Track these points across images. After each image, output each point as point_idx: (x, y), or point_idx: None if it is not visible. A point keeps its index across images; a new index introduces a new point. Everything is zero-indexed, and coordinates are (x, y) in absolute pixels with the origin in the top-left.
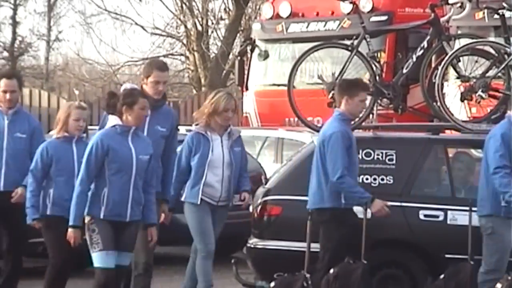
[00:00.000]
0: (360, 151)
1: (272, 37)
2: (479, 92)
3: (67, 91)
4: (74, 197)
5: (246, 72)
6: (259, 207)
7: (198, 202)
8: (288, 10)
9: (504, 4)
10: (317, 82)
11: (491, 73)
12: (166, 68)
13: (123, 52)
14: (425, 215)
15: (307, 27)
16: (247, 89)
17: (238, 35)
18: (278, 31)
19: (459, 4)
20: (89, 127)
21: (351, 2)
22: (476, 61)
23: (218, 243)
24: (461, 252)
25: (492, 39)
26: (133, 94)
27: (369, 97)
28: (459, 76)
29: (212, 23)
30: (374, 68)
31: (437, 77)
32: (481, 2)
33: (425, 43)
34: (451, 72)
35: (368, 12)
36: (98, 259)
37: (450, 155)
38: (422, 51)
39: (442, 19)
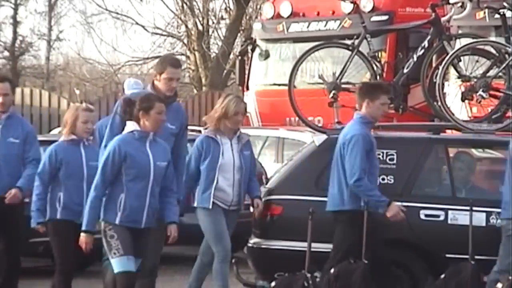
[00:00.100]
0: None
1: (273, 37)
2: (480, 92)
3: (68, 91)
4: (88, 202)
5: (247, 71)
6: None
7: (210, 207)
8: (289, 9)
9: (505, 4)
10: (318, 82)
11: (492, 72)
12: (180, 64)
13: (124, 52)
14: (426, 215)
15: (307, 26)
16: (247, 88)
17: (239, 34)
18: (279, 30)
19: (460, 4)
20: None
21: (351, 2)
22: (477, 61)
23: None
24: (461, 252)
25: (493, 38)
26: (149, 99)
27: None
28: (460, 76)
29: (213, 23)
30: (375, 67)
31: (438, 77)
32: (482, 1)
33: (426, 43)
34: (452, 72)
35: (369, 11)
36: (120, 264)
37: (451, 155)
38: (423, 50)
39: (443, 19)
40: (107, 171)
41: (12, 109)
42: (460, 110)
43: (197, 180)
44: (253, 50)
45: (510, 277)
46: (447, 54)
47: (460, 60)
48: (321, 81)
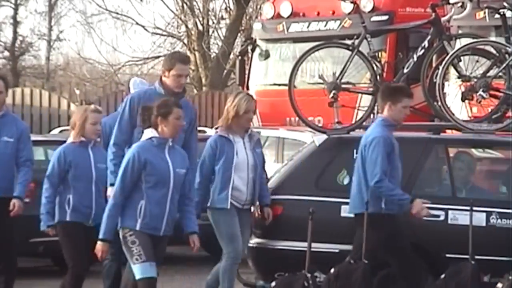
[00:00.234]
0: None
1: (273, 37)
2: (480, 92)
3: (68, 91)
4: (106, 210)
5: (247, 71)
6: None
7: (228, 207)
8: (289, 9)
9: (505, 4)
10: (318, 82)
11: (492, 72)
12: (189, 61)
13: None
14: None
15: (308, 26)
16: (248, 88)
17: (239, 34)
18: (279, 30)
19: (460, 4)
20: None
21: (352, 2)
22: (477, 61)
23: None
24: (462, 252)
25: (493, 38)
26: (167, 104)
27: (369, 97)
28: (460, 76)
29: (213, 23)
30: (375, 67)
31: (438, 77)
32: (482, 1)
33: (426, 43)
34: (452, 72)
35: (369, 11)
36: (142, 270)
37: (451, 154)
38: (423, 50)
39: (443, 19)
40: (127, 178)
41: (6, 108)
42: (460, 110)
43: (212, 181)
44: (253, 50)
45: (510, 277)
46: (447, 54)
47: (460, 60)
48: (321, 81)
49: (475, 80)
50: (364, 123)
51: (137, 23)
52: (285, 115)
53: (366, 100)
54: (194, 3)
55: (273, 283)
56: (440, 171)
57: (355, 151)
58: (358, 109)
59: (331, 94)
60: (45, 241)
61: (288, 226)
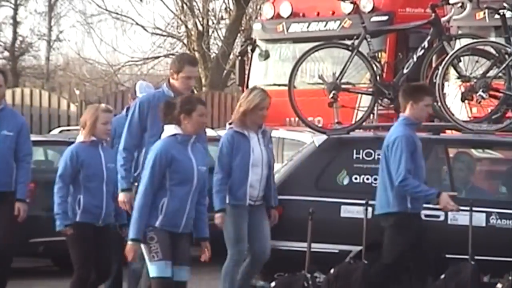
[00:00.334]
0: (361, 151)
1: (272, 37)
2: (480, 92)
3: (68, 91)
4: (136, 209)
5: (246, 72)
6: None
7: (246, 203)
8: (289, 10)
9: (505, 4)
10: (318, 82)
11: (491, 73)
12: (197, 62)
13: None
14: (426, 215)
15: (307, 27)
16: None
17: (239, 35)
18: (279, 31)
19: (459, 4)
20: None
21: (351, 2)
22: (477, 61)
23: (218, 243)
24: (461, 252)
25: (492, 39)
26: (191, 101)
27: (369, 97)
28: (460, 76)
29: (213, 23)
30: (375, 68)
31: (437, 77)
32: (482, 2)
33: (425, 43)
34: (452, 72)
35: (369, 12)
36: (157, 269)
37: (451, 155)
38: (422, 51)
39: (442, 19)
40: (156, 175)
41: (4, 101)
42: (460, 111)
43: (230, 177)
44: (253, 51)
45: (510, 277)
46: (447, 54)
47: (460, 61)
48: (321, 81)
49: (475, 80)
50: (363, 124)
51: (137, 23)
52: (285, 115)
53: (366, 101)
54: (194, 3)
55: (273, 283)
56: (439, 172)
57: (354, 151)
58: (358, 110)
59: (331, 95)
60: (45, 241)
61: (288, 226)
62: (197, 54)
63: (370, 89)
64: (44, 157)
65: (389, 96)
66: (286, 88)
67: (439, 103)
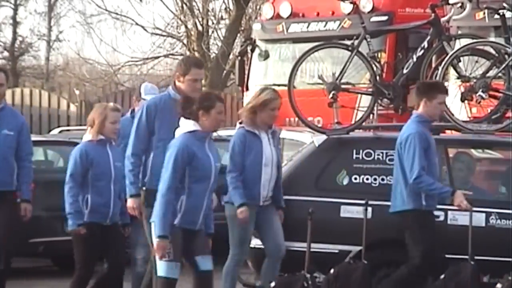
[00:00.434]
0: (361, 151)
1: (272, 37)
2: (480, 92)
3: (68, 91)
4: (162, 207)
5: (246, 72)
6: None
7: (261, 203)
8: (289, 10)
9: (505, 5)
10: (318, 82)
11: (491, 73)
12: (203, 64)
13: (124, 52)
14: None
15: (307, 27)
16: (247, 89)
17: (239, 35)
18: (279, 31)
19: (459, 4)
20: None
21: (351, 2)
22: (477, 61)
23: (218, 243)
24: (461, 252)
25: (492, 39)
26: (210, 98)
27: (369, 97)
28: (460, 76)
29: (213, 23)
30: (375, 68)
31: (437, 77)
32: (482, 2)
33: (425, 43)
34: (452, 72)
35: (369, 12)
36: (166, 269)
37: (451, 155)
38: (422, 51)
39: (442, 19)
40: (178, 172)
41: (5, 101)
42: (459, 111)
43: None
44: (252, 51)
45: (510, 277)
46: (447, 54)
47: (460, 61)
48: (320, 81)
49: (475, 80)
50: (363, 124)
51: (136, 24)
52: (284, 116)
53: (365, 101)
54: (194, 3)
55: (273, 283)
56: (439, 172)
57: (354, 151)
58: (357, 110)
59: (331, 95)
60: (45, 241)
61: (288, 226)
62: (196, 54)
63: (370, 89)
64: (44, 157)
65: (389, 96)
66: (286, 88)
67: None
